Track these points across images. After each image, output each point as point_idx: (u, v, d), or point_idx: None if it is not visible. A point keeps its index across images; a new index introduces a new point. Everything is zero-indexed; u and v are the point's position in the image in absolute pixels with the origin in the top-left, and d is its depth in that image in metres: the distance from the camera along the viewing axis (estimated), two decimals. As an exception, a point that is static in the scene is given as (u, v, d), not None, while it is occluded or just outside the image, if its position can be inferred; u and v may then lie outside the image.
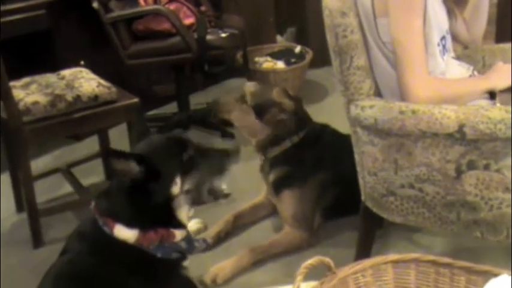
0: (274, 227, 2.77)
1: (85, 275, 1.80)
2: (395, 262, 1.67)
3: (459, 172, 1.80)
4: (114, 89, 2.78)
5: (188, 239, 1.92)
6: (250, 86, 2.74)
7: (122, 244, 1.82)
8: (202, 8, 3.56)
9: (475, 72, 2.19)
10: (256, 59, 4.17)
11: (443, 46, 2.04)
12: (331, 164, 2.64)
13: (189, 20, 3.51)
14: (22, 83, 2.82)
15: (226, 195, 2.05)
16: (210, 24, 3.56)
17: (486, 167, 1.76)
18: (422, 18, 1.92)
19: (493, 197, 1.79)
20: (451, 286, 1.63)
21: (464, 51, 2.42)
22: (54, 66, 3.05)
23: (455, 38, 2.25)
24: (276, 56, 4.20)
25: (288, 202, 2.61)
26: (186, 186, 1.88)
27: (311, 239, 2.60)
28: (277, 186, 2.65)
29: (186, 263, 1.93)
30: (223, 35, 3.52)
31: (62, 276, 1.82)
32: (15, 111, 2.56)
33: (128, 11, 3.49)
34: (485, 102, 1.99)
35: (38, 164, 3.31)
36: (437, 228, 1.96)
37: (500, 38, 3.32)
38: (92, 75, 2.89)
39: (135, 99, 2.82)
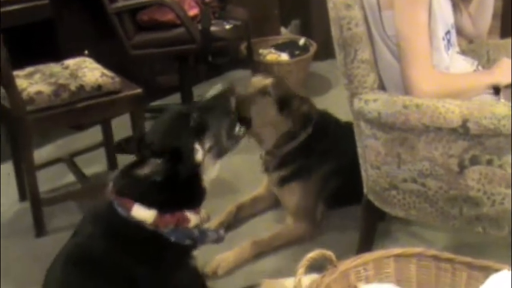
0: (276, 219, 2.77)
1: (95, 258, 1.81)
2: (397, 256, 1.68)
3: (462, 167, 1.80)
4: (117, 79, 2.77)
5: (201, 228, 1.94)
6: (266, 79, 2.62)
7: (137, 227, 1.83)
8: (207, -1, 3.56)
9: (480, 67, 2.19)
10: (260, 50, 4.17)
11: (448, 40, 2.04)
12: (335, 153, 2.63)
13: (193, 11, 3.50)
14: (26, 73, 2.82)
15: (244, 133, 2.09)
16: (214, 15, 3.55)
17: (489, 163, 1.76)
18: (428, 12, 1.91)
19: (495, 192, 1.79)
20: (452, 281, 1.64)
21: (469, 45, 2.41)
22: (58, 56, 3.05)
23: (460, 33, 2.25)
24: (280, 48, 4.19)
25: (293, 194, 2.61)
26: (207, 146, 1.92)
27: (313, 230, 2.60)
28: (284, 180, 2.64)
29: (195, 253, 1.94)
30: (228, 26, 3.51)
31: (72, 260, 1.83)
32: (18, 101, 2.56)
33: (133, 1, 3.48)
34: (489, 98, 1.99)
35: (41, 154, 3.31)
36: (439, 223, 1.96)
37: (505, 32, 3.31)
38: (95, 65, 2.89)
39: (139, 90, 2.81)
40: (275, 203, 2.80)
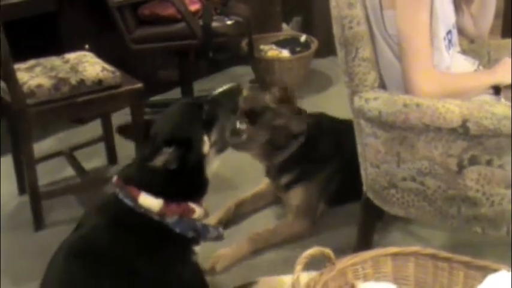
0: (275, 216, 2.78)
1: (98, 250, 1.82)
2: (394, 255, 1.68)
3: (461, 167, 1.80)
4: (118, 74, 2.77)
5: (203, 223, 1.97)
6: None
7: (142, 217, 1.85)
8: (208, -5, 3.56)
9: (480, 67, 2.19)
10: (261, 47, 4.17)
11: (449, 40, 2.04)
12: (335, 153, 2.64)
13: (194, 7, 3.50)
14: (27, 66, 2.82)
15: (244, 131, 2.19)
16: (216, 11, 3.55)
17: (489, 163, 1.76)
18: (429, 12, 1.91)
19: (494, 192, 1.79)
20: (449, 280, 1.64)
21: (470, 45, 2.41)
22: (59, 49, 3.05)
23: (461, 32, 2.25)
24: (281, 44, 4.20)
25: (296, 197, 2.62)
26: (213, 139, 1.97)
27: (312, 228, 2.61)
28: (288, 186, 2.65)
29: (197, 249, 1.96)
30: (229, 22, 3.52)
31: (74, 252, 1.84)
32: (19, 94, 2.57)
33: (134, -5, 3.47)
34: (489, 98, 1.99)
35: (40, 147, 3.32)
36: (437, 222, 1.96)
37: (506, 32, 3.31)
38: (96, 59, 2.89)
39: (139, 84, 2.82)
40: (275, 200, 2.81)
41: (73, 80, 2.67)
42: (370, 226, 2.23)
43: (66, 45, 3.25)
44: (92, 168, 3.19)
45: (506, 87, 2.01)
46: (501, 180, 1.77)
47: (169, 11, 3.42)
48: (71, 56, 2.92)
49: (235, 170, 3.01)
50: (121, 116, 3.24)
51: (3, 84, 2.63)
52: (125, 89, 2.78)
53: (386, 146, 1.92)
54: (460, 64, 2.09)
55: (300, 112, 2.66)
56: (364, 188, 2.11)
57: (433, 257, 1.65)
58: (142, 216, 1.86)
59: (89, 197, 2.90)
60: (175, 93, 3.95)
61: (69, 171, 3.11)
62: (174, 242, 1.89)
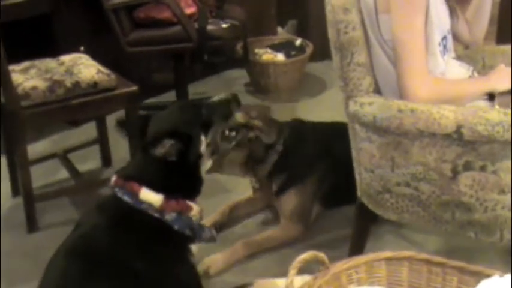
0: (269, 219, 2.78)
1: (97, 249, 1.83)
2: (388, 259, 1.68)
3: (455, 172, 1.80)
4: (113, 76, 2.77)
5: (199, 223, 2.01)
6: None
7: (142, 213, 1.87)
8: (204, -2, 3.56)
9: (475, 73, 2.19)
10: (256, 50, 4.17)
11: (444, 46, 2.04)
12: (319, 155, 2.66)
13: (190, 10, 3.50)
14: (21, 67, 2.81)
15: (236, 138, 2.23)
16: (211, 14, 3.55)
17: (482, 169, 1.77)
18: (424, 17, 1.91)
19: (488, 198, 1.80)
20: (443, 285, 1.64)
21: (465, 51, 2.42)
22: (54, 51, 3.04)
23: (456, 38, 2.25)
24: (276, 48, 4.20)
25: (289, 202, 2.62)
26: (207, 142, 2.03)
27: (306, 232, 2.61)
28: (280, 191, 2.65)
29: (194, 249, 1.97)
30: (224, 25, 3.52)
31: (75, 251, 1.84)
32: (13, 96, 2.56)
33: (130, -2, 3.47)
34: (484, 104, 2.00)
35: (34, 149, 3.31)
36: (431, 227, 1.96)
37: (501, 38, 3.32)
38: (91, 62, 2.88)
39: (134, 87, 2.81)
40: (269, 204, 2.81)
41: (68, 83, 2.66)
42: (364, 230, 2.23)
43: (61, 47, 3.24)
44: (86, 171, 3.19)
45: (500, 93, 2.02)
46: (494, 186, 1.78)
47: (165, 14, 3.42)
48: (66, 58, 2.92)
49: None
50: (115, 119, 3.23)
51: (-3, 86, 2.62)
52: (119, 91, 2.78)
53: (380, 151, 1.92)
54: (455, 70, 2.10)
55: (271, 123, 2.67)
56: (359, 192, 2.11)
57: (427, 262, 1.65)
58: (142, 213, 1.88)
59: (82, 200, 2.89)
60: (170, 96, 3.95)
61: (63, 174, 3.11)
62: (173, 240, 1.92)
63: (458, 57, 2.26)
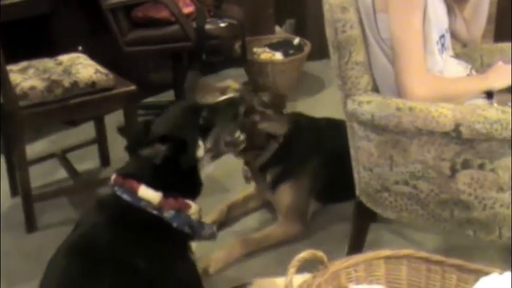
0: (267, 218, 2.78)
1: (98, 248, 1.83)
2: (387, 258, 1.68)
3: (454, 171, 1.81)
4: (111, 76, 2.77)
5: (199, 220, 2.00)
6: (233, 83, 2.71)
7: (141, 211, 1.88)
8: (202, -3, 3.56)
9: (473, 71, 2.20)
10: (255, 49, 4.17)
11: (442, 44, 2.05)
12: (314, 149, 2.66)
13: (188, 9, 3.50)
14: (19, 67, 2.81)
15: (243, 142, 2.19)
16: (209, 13, 3.55)
17: (481, 167, 1.77)
18: (422, 16, 1.92)
19: (486, 196, 1.80)
20: (442, 283, 1.65)
21: (463, 49, 2.42)
22: (52, 51, 3.04)
23: (454, 36, 2.25)
24: (274, 47, 4.19)
25: (285, 197, 2.62)
26: (208, 146, 2.01)
27: (304, 230, 2.61)
28: (274, 184, 2.65)
29: (194, 246, 1.99)
30: (222, 24, 3.52)
31: (76, 250, 1.85)
32: (11, 96, 2.56)
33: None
34: (482, 102, 2.00)
35: (33, 149, 3.31)
36: (430, 225, 1.97)
37: (499, 36, 3.32)
38: (89, 62, 2.88)
39: (132, 87, 2.81)
40: (267, 202, 2.81)
41: (66, 82, 2.66)
42: (363, 229, 2.23)
43: (59, 47, 3.24)
44: (84, 171, 3.19)
45: (499, 91, 2.02)
46: (493, 184, 1.78)
47: (163, 13, 3.43)
48: (64, 58, 2.92)
49: (227, 173, 3.01)
50: (114, 118, 3.23)
51: (-5, 86, 2.62)
52: (118, 91, 2.78)
53: (379, 150, 1.92)
54: (453, 68, 2.10)
55: (281, 115, 2.67)
56: (357, 191, 2.11)
57: (426, 260, 1.66)
58: (141, 211, 1.88)
59: (81, 199, 2.89)
60: (169, 95, 3.95)
61: (62, 173, 3.11)
62: (172, 237, 1.92)
63: (457, 56, 2.26)
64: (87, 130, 3.42)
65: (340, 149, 2.20)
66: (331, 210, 2.74)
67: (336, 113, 2.49)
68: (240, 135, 2.17)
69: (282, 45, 4.20)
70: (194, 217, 1.98)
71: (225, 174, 3.00)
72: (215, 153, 2.06)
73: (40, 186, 3.02)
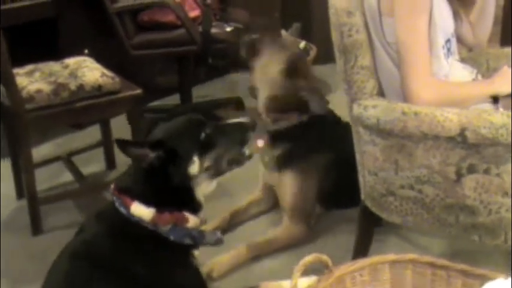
0: (271, 222, 2.77)
1: (100, 255, 1.83)
2: (392, 262, 1.68)
3: (459, 175, 1.80)
4: (117, 79, 2.78)
5: (199, 229, 1.96)
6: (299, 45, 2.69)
7: (136, 225, 1.85)
8: (208, 1, 3.57)
9: (479, 76, 2.19)
10: (260, 53, 4.16)
11: (448, 49, 2.04)
12: (333, 146, 2.63)
13: (194, 13, 3.51)
14: (26, 71, 2.82)
15: (250, 157, 2.06)
16: (215, 17, 3.56)
17: (486, 171, 1.77)
18: (428, 20, 1.92)
19: (492, 201, 1.80)
20: (447, 288, 1.64)
21: (469, 54, 2.42)
22: (59, 54, 3.06)
23: (460, 41, 2.25)
24: (280, 51, 4.19)
25: (289, 186, 2.61)
26: (206, 164, 1.93)
27: (309, 232, 2.61)
28: (281, 164, 2.63)
29: (196, 253, 1.95)
30: (228, 28, 3.53)
31: (78, 255, 1.85)
32: (18, 99, 2.57)
33: (134, 1, 3.49)
34: (487, 107, 1.99)
35: (39, 152, 3.31)
36: (435, 230, 1.96)
37: (505, 40, 3.32)
38: (95, 65, 2.89)
39: (138, 90, 2.82)
40: (270, 208, 2.81)
41: (72, 86, 2.67)
42: (368, 233, 2.23)
43: (66, 50, 3.25)
44: (90, 174, 3.20)
45: (504, 96, 2.01)
46: (498, 188, 1.78)
47: (169, 17, 3.43)
48: (71, 61, 2.93)
49: (230, 177, 3.00)
50: (120, 121, 3.24)
51: (2, 89, 2.63)
52: (124, 94, 2.79)
53: (384, 154, 1.92)
54: (459, 72, 2.10)
55: (323, 98, 2.67)
56: (362, 195, 2.11)
57: (431, 264, 1.65)
58: (138, 225, 1.86)
59: (87, 202, 2.90)
60: (174, 99, 3.95)
61: (68, 176, 3.12)
62: (169, 249, 1.89)
63: (462, 60, 2.26)
64: (93, 133, 3.43)
65: (352, 155, 2.18)
66: (336, 214, 2.74)
67: (343, 117, 2.49)
68: (246, 151, 2.03)
69: (288, 49, 4.20)
70: (195, 228, 1.94)
71: (229, 178, 2.99)
72: (215, 172, 1.98)
73: (46, 189, 3.02)
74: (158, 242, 1.87)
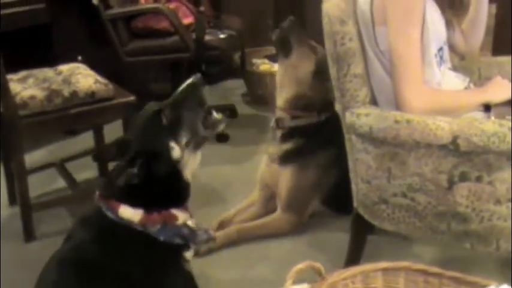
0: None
1: (89, 262, 1.82)
2: (385, 270, 1.68)
3: (451, 183, 1.81)
4: (111, 86, 2.78)
5: (190, 226, 1.93)
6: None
7: (125, 228, 1.84)
8: (202, 8, 3.58)
9: (471, 84, 2.20)
10: (254, 60, 4.18)
11: (441, 57, 2.06)
12: (338, 147, 2.64)
13: (188, 20, 3.52)
14: (19, 77, 2.82)
15: (223, 120, 1.98)
16: (209, 24, 3.57)
17: (478, 179, 1.78)
18: (421, 29, 1.93)
19: (484, 209, 1.81)
20: (439, 296, 1.64)
21: (461, 62, 2.43)
22: (52, 61, 3.06)
23: (452, 49, 2.26)
24: (273, 58, 4.19)
25: (288, 177, 2.63)
26: (184, 141, 1.88)
27: (300, 224, 2.64)
28: (286, 158, 2.66)
29: (188, 255, 1.93)
30: (222, 36, 3.54)
31: (66, 262, 1.84)
32: (11, 105, 2.57)
33: (128, 8, 3.50)
34: (479, 115, 2.01)
35: (32, 158, 3.31)
36: (427, 237, 1.97)
37: (497, 49, 3.34)
38: (89, 72, 2.89)
39: (132, 97, 2.82)
40: (261, 215, 2.80)
41: (66, 92, 2.67)
42: (361, 240, 2.23)
43: (60, 57, 3.25)
44: (83, 180, 3.19)
45: (496, 104, 2.03)
46: (490, 196, 1.79)
47: (163, 24, 3.44)
48: (64, 68, 2.93)
49: (224, 183, 3.01)
50: (113, 128, 3.24)
51: (-5, 95, 2.63)
52: (117, 101, 2.79)
53: (377, 162, 1.93)
54: (451, 81, 2.11)
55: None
56: (355, 203, 2.12)
57: (424, 272, 1.65)
58: (126, 227, 1.84)
59: (80, 209, 2.87)
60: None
61: (61, 183, 3.11)
62: (161, 251, 1.88)
63: (455, 68, 2.27)
64: (86, 140, 3.43)
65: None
66: (329, 222, 2.74)
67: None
68: (218, 115, 1.97)
69: (281, 57, 4.21)
70: (185, 225, 1.92)
71: (222, 184, 3.00)
72: (197, 144, 1.91)
73: (39, 196, 3.02)
74: (148, 244, 1.86)
